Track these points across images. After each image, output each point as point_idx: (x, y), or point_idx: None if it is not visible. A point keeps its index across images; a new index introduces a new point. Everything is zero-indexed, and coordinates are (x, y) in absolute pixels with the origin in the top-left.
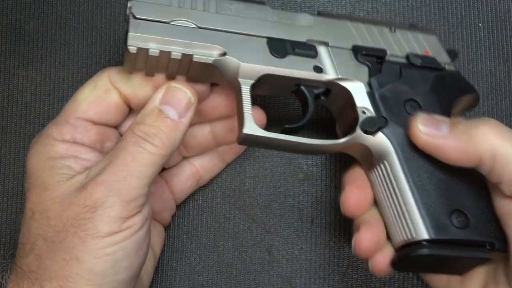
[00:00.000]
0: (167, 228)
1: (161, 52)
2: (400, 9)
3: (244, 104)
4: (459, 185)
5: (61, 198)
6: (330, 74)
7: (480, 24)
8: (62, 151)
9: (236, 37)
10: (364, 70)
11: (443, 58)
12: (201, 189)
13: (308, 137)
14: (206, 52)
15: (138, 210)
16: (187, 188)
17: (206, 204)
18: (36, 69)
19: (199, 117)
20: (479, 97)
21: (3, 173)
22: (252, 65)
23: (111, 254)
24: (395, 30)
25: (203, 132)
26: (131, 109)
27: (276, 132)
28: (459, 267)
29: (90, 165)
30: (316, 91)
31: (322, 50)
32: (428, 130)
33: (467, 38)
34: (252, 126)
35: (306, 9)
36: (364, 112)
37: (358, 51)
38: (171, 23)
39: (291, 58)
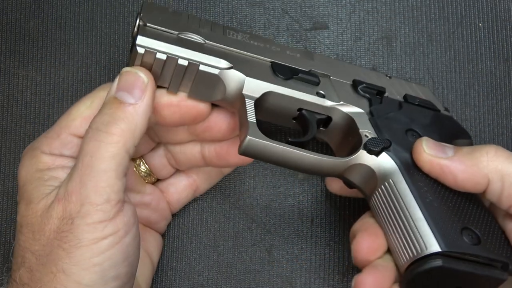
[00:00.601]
0: (167, 228)
1: (168, 57)
2: (400, 9)
3: (248, 114)
4: (467, 205)
5: (42, 211)
6: (332, 100)
7: (480, 24)
8: (49, 162)
9: (242, 56)
10: (365, 102)
11: (437, 105)
12: None
13: None
14: (212, 64)
15: (118, 209)
16: (184, 199)
17: (206, 204)
18: (36, 69)
19: (193, 135)
20: (473, 143)
21: (3, 173)
22: (257, 81)
23: (98, 264)
24: (390, 78)
25: (193, 151)
26: None
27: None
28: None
29: None
30: (317, 117)
31: (324, 80)
32: (434, 152)
33: (467, 38)
34: (256, 132)
35: (306, 9)
36: (367, 136)
37: (358, 85)
38: (180, 35)
39: (295, 81)
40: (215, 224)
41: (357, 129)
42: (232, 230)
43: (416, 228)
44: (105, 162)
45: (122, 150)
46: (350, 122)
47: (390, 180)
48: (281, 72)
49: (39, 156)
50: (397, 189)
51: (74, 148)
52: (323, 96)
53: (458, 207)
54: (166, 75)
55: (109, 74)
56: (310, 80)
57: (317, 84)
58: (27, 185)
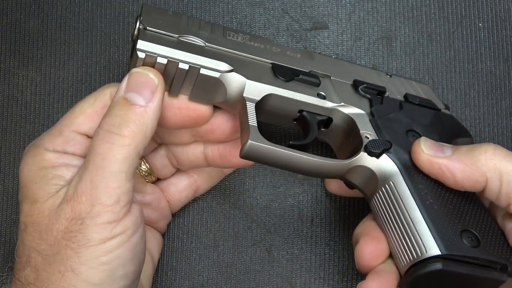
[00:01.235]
0: (167, 227)
1: (169, 61)
2: (400, 9)
3: (249, 117)
4: (467, 207)
5: (49, 211)
6: (333, 101)
7: (480, 24)
8: (53, 160)
9: (242, 58)
10: (365, 102)
11: (438, 104)
12: None
13: None
14: (213, 67)
15: (126, 210)
16: (184, 198)
17: (206, 204)
18: (36, 69)
19: (196, 137)
20: (473, 142)
21: (3, 173)
22: (257, 84)
23: (106, 263)
24: (391, 76)
25: (195, 151)
26: None
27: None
28: None
29: None
30: (318, 118)
31: (324, 81)
32: (432, 151)
33: (467, 38)
34: (258, 136)
35: (306, 9)
36: (367, 137)
37: (358, 85)
38: (180, 38)
39: (295, 83)
40: (215, 224)
41: (358, 130)
42: (232, 230)
43: (416, 231)
44: (117, 164)
45: (133, 152)
46: (350, 123)
47: (391, 182)
48: (282, 74)
49: (43, 153)
50: (397, 191)
51: (77, 145)
52: (323, 97)
53: (458, 209)
54: (167, 78)
55: (109, 74)
56: (310, 82)
57: (318, 85)
58: (31, 184)
